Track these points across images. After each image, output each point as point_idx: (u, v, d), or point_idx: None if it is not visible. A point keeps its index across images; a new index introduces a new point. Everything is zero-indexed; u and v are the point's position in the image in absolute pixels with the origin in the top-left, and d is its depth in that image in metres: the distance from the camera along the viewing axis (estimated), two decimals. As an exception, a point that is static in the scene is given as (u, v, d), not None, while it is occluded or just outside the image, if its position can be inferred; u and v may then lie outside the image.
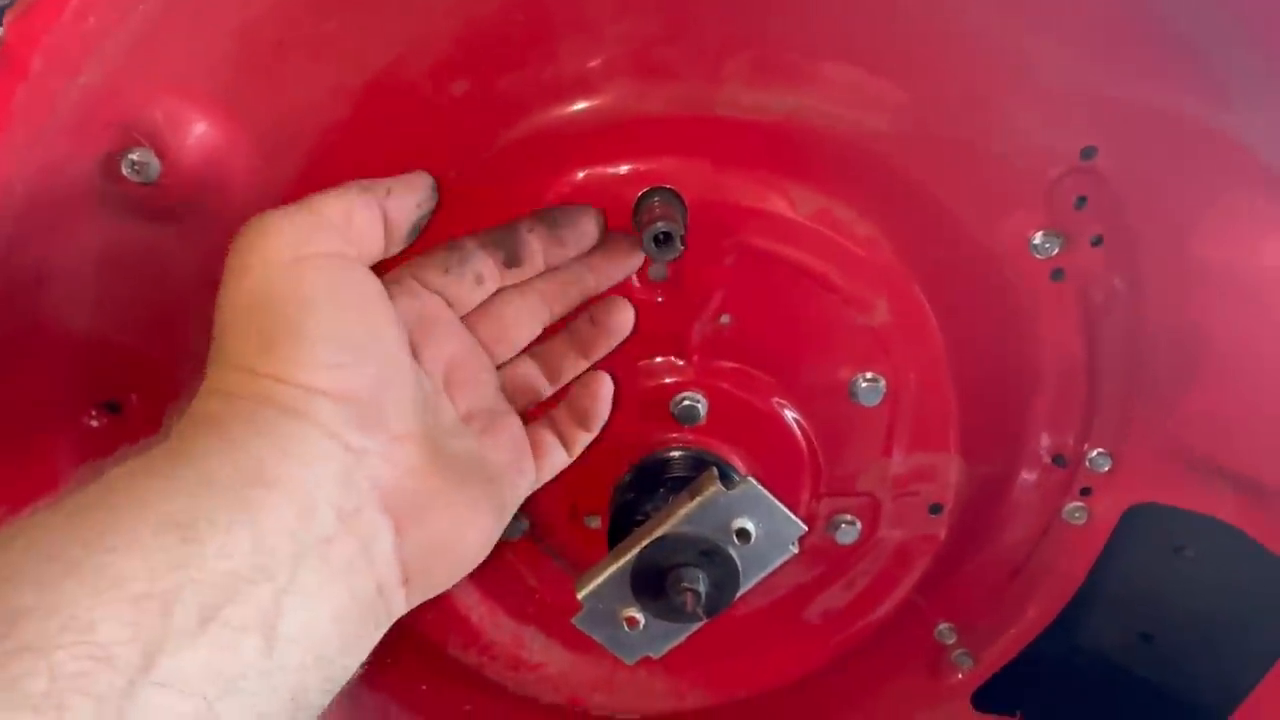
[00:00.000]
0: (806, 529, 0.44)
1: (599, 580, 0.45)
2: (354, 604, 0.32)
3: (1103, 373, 0.52)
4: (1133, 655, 0.60)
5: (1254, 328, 0.48)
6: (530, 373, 0.45)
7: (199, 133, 0.40)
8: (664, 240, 0.41)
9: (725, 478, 0.45)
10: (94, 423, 0.47)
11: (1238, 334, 0.48)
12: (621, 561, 0.44)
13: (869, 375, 0.49)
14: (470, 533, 0.37)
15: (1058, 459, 0.55)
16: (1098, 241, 0.48)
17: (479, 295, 0.42)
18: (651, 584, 0.44)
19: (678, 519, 0.43)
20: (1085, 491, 0.56)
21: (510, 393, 0.44)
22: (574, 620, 0.46)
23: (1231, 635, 0.55)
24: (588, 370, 0.46)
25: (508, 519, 0.40)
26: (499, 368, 0.44)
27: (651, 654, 0.47)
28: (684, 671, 0.58)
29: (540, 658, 0.57)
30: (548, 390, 0.46)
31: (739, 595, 0.45)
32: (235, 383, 0.33)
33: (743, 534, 0.43)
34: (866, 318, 0.48)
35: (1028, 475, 0.55)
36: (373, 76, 0.41)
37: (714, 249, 0.45)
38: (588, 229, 0.42)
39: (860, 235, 0.46)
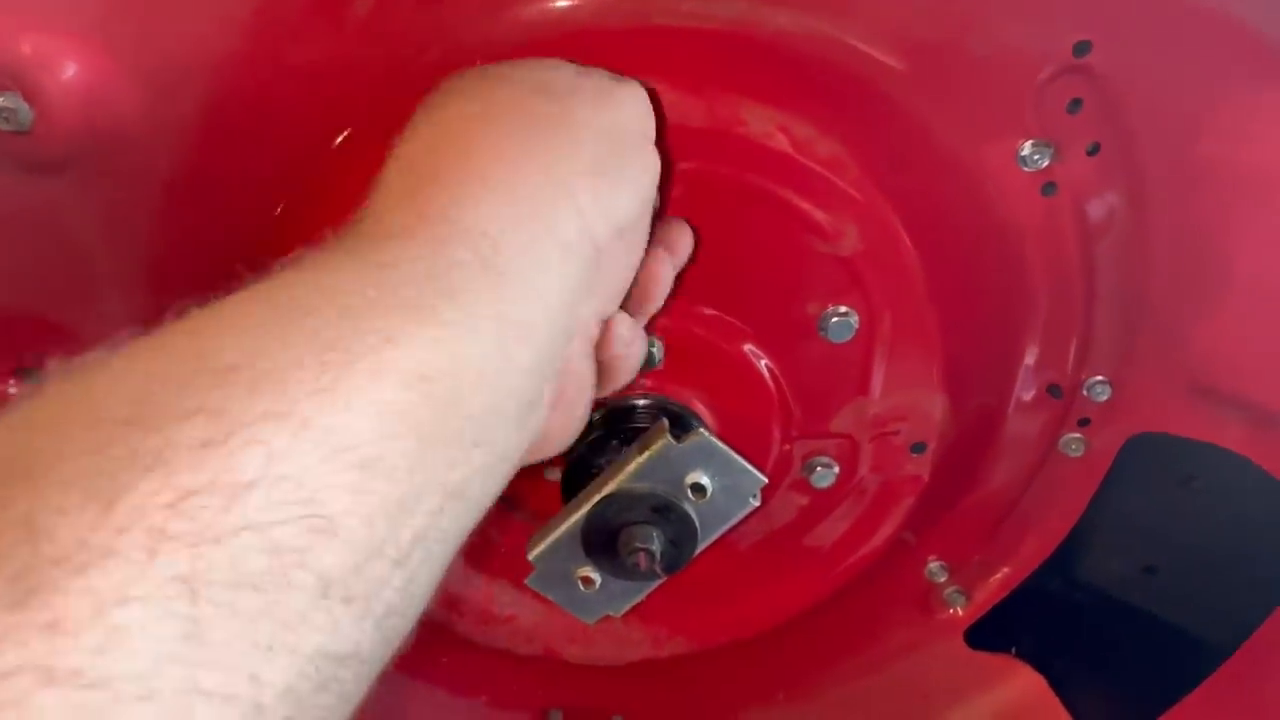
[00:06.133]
0: (766, 480, 0.41)
1: (548, 541, 0.42)
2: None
3: (1101, 295, 0.48)
4: (1135, 589, 0.57)
5: (1269, 239, 0.43)
6: None
7: (71, 73, 0.36)
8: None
9: (681, 428, 0.41)
10: (13, 390, 0.45)
11: (1251, 247, 0.44)
12: (570, 521, 0.41)
13: (840, 309, 0.45)
14: None
15: (1053, 389, 0.51)
16: (1094, 150, 0.43)
17: None
18: (604, 543, 0.42)
19: (626, 475, 0.40)
20: (1083, 422, 0.52)
21: None
22: (527, 581, 0.44)
23: (1239, 569, 0.52)
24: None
25: None
26: None
27: (611, 613, 0.45)
28: (662, 619, 0.56)
29: (511, 610, 0.55)
30: None
31: (698, 551, 0.42)
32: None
33: (697, 488, 0.40)
34: (834, 246, 0.43)
35: (1020, 407, 0.52)
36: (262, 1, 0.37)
37: (658, 177, 0.41)
38: None
39: (823, 155, 0.41)
